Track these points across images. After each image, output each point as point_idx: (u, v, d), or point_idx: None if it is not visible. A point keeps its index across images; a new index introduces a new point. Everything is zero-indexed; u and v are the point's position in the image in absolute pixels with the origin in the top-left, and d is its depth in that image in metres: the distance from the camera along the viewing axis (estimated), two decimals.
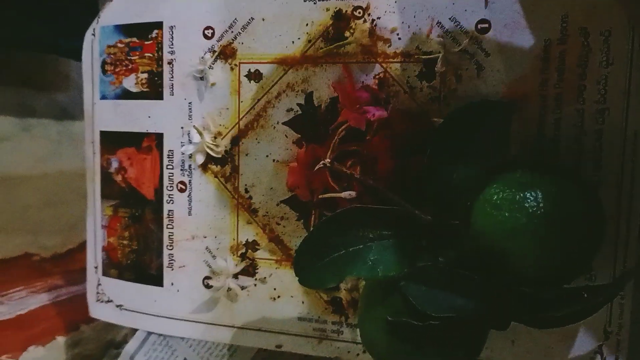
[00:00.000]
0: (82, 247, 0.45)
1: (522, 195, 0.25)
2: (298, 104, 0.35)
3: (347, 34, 0.34)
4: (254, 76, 0.36)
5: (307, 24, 0.34)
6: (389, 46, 0.33)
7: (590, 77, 0.30)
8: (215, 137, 0.37)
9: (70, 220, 0.72)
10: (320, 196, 0.34)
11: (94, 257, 0.42)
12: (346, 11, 0.34)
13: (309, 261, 0.28)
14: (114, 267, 0.41)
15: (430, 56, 0.32)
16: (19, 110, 0.71)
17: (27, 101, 0.72)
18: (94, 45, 0.40)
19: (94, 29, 0.40)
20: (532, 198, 0.25)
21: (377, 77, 0.33)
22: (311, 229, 0.35)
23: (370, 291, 0.29)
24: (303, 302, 0.36)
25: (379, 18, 0.33)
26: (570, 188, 0.26)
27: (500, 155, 0.28)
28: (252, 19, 0.35)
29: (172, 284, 0.39)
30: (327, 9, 0.34)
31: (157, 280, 0.39)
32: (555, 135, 0.31)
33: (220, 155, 0.37)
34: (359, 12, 0.34)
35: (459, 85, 0.32)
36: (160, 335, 0.40)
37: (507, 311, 0.26)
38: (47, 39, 0.70)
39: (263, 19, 0.35)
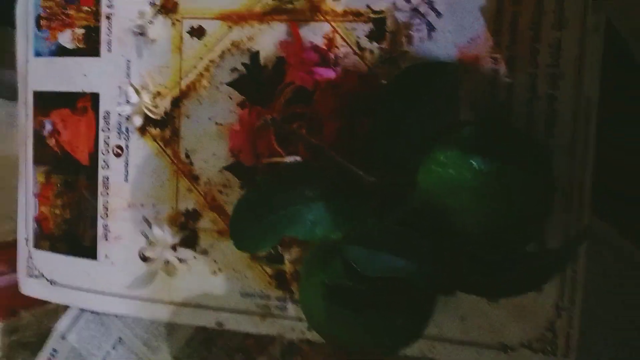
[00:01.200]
0: None
1: (468, 153, 0.24)
2: (243, 64, 0.33)
3: None
4: (197, 33, 0.34)
5: None
6: (339, 3, 0.31)
7: (543, 40, 0.29)
8: (154, 98, 0.34)
9: (7, 209, 0.68)
10: (264, 160, 0.32)
11: (24, 228, 0.39)
12: None
13: (245, 223, 0.26)
14: (46, 238, 0.38)
15: (380, 15, 0.31)
16: None
17: None
18: None
19: None
20: (478, 156, 0.24)
21: (326, 36, 0.32)
22: None
23: (311, 257, 0.27)
24: (246, 277, 0.34)
25: None
26: (518, 149, 0.25)
27: (449, 118, 0.27)
28: None
29: (107, 257, 0.36)
30: None
31: (90, 252, 0.37)
32: (508, 99, 0.29)
33: (159, 117, 0.34)
34: None
35: (409, 47, 0.30)
36: (93, 312, 0.38)
37: (453, 274, 0.24)
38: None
39: None
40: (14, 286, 0.55)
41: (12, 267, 0.61)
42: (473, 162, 0.23)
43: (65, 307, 0.40)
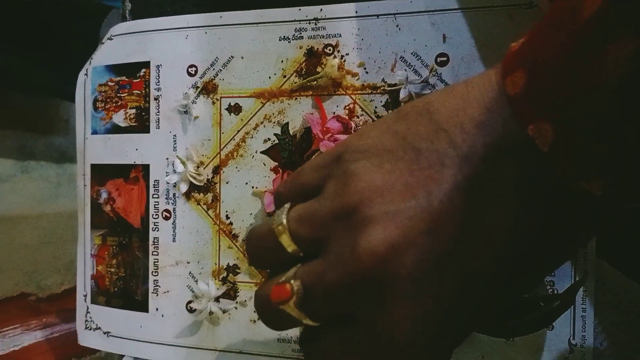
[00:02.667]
0: None
1: None
2: (275, 134, 0.37)
3: (319, 69, 0.36)
4: (234, 109, 0.38)
5: (282, 61, 0.37)
6: (357, 79, 0.36)
7: None
8: (198, 167, 0.39)
9: (66, 260, 0.73)
10: None
11: (83, 286, 0.44)
12: (318, 49, 0.37)
13: None
14: (102, 294, 0.43)
15: (395, 87, 0.35)
16: (19, 153, 0.74)
17: (27, 144, 0.75)
18: (86, 84, 0.43)
19: (86, 70, 0.43)
20: None
21: (347, 107, 0.36)
22: None
23: None
24: None
25: (347, 54, 0.36)
26: None
27: None
28: (232, 57, 0.38)
29: (157, 309, 0.40)
30: (301, 47, 0.37)
31: (142, 306, 0.41)
32: None
33: (202, 184, 0.39)
34: (329, 49, 0.36)
35: None
36: None
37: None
38: (47, 84, 0.74)
39: (242, 57, 0.38)
40: (67, 336, 0.59)
41: (62, 318, 0.65)
42: None
43: (119, 356, 0.44)
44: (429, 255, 0.18)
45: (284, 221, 0.22)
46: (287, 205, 0.23)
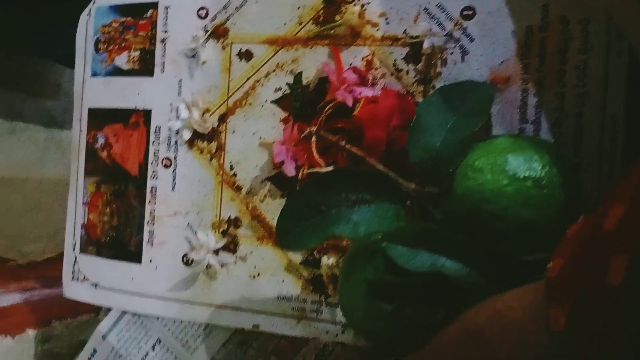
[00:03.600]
0: (61, 256, 0.43)
1: (503, 158, 0.26)
2: (287, 84, 0.36)
3: (337, 17, 0.35)
4: (245, 55, 0.37)
5: (299, 7, 0.36)
6: (377, 30, 0.34)
7: (570, 62, 0.31)
8: (203, 114, 0.37)
9: (51, 229, 0.71)
10: (305, 171, 0.34)
11: (72, 235, 0.41)
12: None
13: (291, 223, 0.28)
14: (93, 244, 0.41)
15: (417, 40, 0.33)
16: (7, 112, 0.71)
17: (15, 104, 0.72)
18: (88, 25, 0.41)
19: (89, 10, 0.41)
20: (513, 161, 0.26)
21: (364, 59, 0.34)
22: None
23: (352, 256, 0.29)
24: (283, 281, 0.36)
25: (368, 3, 0.34)
26: (550, 157, 0.27)
27: (481, 133, 0.29)
28: (246, 1, 0.36)
29: (151, 261, 0.39)
30: None
31: (135, 257, 0.39)
32: (537, 117, 0.32)
33: (207, 132, 0.37)
34: None
35: (444, 69, 0.33)
36: (134, 314, 0.39)
37: (491, 273, 0.26)
38: (42, 45, 0.71)
39: (256, 1, 0.36)
40: (47, 300, 0.57)
41: (43, 284, 0.63)
42: (508, 169, 0.25)
43: (100, 317, 0.42)
44: None
45: None
46: None
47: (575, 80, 0.31)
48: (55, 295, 0.49)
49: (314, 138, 0.34)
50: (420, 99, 0.33)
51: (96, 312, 0.46)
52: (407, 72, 0.33)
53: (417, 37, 0.33)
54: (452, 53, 0.33)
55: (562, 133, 0.31)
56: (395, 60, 0.34)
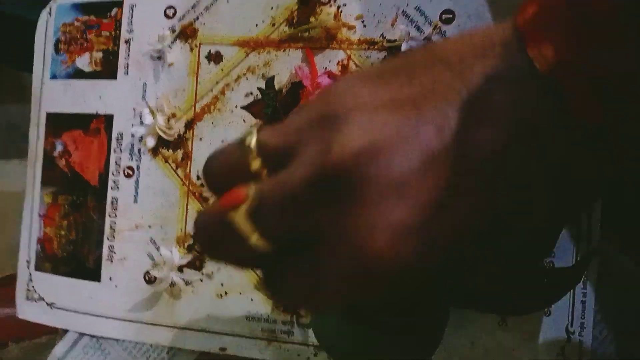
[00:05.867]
0: None
1: None
2: (258, 88, 0.34)
3: (312, 19, 0.33)
4: (214, 58, 0.35)
5: (272, 8, 0.34)
6: (354, 33, 0.32)
7: None
8: (168, 119, 0.35)
9: (10, 244, 0.67)
10: None
11: (27, 251, 0.38)
12: None
13: None
14: (49, 260, 0.38)
15: (394, 44, 0.32)
16: None
17: None
18: (48, 23, 0.38)
19: (50, 7, 0.38)
20: None
21: (340, 63, 0.33)
22: None
23: None
24: (252, 300, 0.33)
25: (344, 5, 0.33)
26: None
27: None
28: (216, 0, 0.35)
29: (111, 279, 0.36)
30: None
31: (94, 274, 0.36)
32: None
33: (172, 139, 0.35)
34: None
35: None
36: (93, 337, 0.37)
37: (463, 292, 0.24)
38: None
39: (227, 1, 0.34)
40: (4, 319, 0.54)
41: (2, 303, 0.59)
42: None
43: (56, 340, 0.39)
44: (411, 158, 0.15)
45: (254, 132, 0.18)
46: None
47: None
48: (14, 314, 0.46)
49: None
50: None
51: (55, 334, 0.43)
52: None
53: (394, 41, 0.32)
54: None
55: None
56: (372, 64, 0.32)
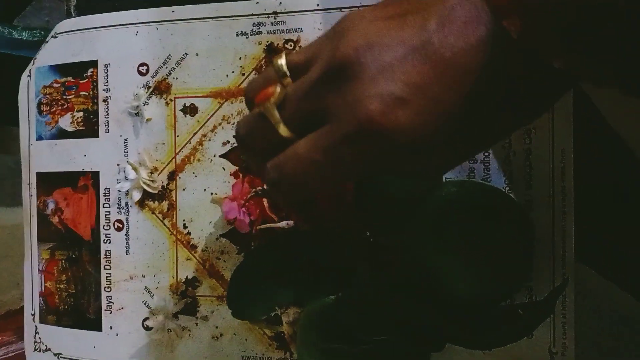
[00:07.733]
0: None
1: (448, 212, 0.25)
2: (234, 137, 0.35)
3: None
4: (190, 110, 0.36)
5: (240, 58, 0.35)
6: None
7: None
8: (151, 173, 0.36)
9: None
10: (258, 227, 0.33)
11: (31, 304, 0.40)
12: (278, 44, 0.34)
13: (241, 291, 0.27)
14: (52, 312, 0.39)
15: None
16: None
17: None
18: (29, 86, 0.40)
19: (29, 70, 0.40)
20: (458, 214, 0.25)
21: None
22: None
23: (306, 320, 0.28)
24: (247, 340, 0.35)
25: None
26: (496, 206, 0.26)
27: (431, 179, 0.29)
28: (186, 54, 0.36)
29: (111, 328, 0.37)
30: (259, 43, 0.35)
31: (95, 324, 0.38)
32: (486, 156, 0.31)
33: (157, 191, 0.36)
34: (290, 45, 0.34)
35: None
36: None
37: (442, 333, 0.25)
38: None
39: (197, 54, 0.35)
40: (22, 355, 0.55)
41: (19, 336, 0.61)
42: (455, 226, 0.25)
43: None
44: (397, 50, 0.20)
45: (283, 55, 0.23)
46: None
47: None
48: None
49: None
50: None
51: None
52: None
53: None
54: None
55: (511, 171, 0.31)
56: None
